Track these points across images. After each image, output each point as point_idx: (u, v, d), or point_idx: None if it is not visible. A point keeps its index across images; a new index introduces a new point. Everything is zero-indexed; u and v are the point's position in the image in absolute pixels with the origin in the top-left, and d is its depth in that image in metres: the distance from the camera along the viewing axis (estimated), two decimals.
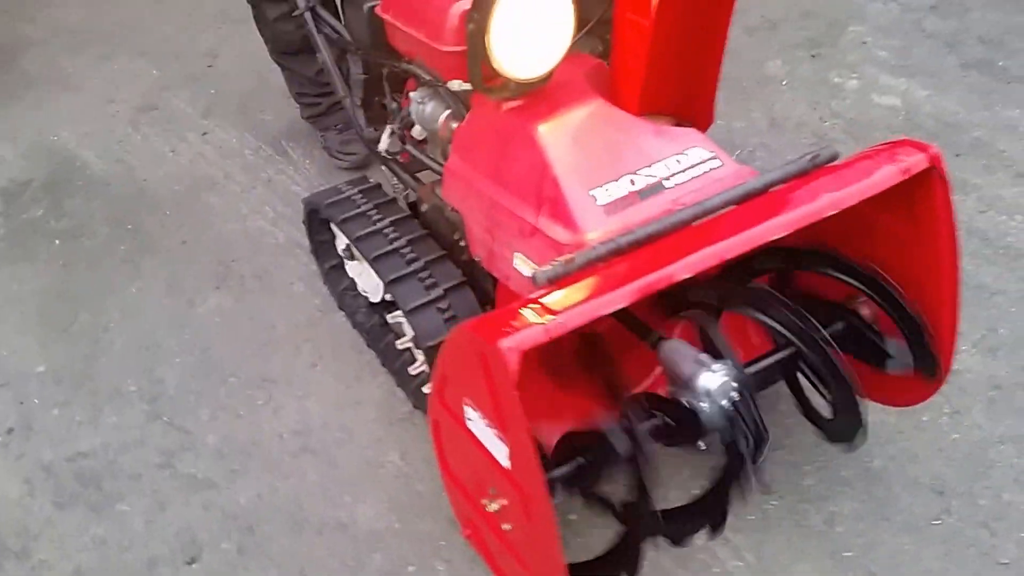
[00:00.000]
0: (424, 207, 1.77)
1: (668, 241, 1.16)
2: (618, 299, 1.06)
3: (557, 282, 1.11)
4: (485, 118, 1.41)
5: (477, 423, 1.19)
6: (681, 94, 1.44)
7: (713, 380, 1.23)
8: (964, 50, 2.78)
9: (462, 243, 1.65)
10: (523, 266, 1.34)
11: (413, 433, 1.75)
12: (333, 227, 1.95)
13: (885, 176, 1.22)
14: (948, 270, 1.32)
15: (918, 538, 1.50)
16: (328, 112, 2.37)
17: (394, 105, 1.66)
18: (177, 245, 2.28)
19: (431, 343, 1.54)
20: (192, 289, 2.13)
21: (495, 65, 1.27)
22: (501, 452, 1.16)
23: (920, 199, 1.29)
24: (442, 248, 1.66)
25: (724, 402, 1.25)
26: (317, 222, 1.97)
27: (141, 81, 2.93)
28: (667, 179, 1.30)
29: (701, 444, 1.36)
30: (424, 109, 1.56)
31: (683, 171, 1.31)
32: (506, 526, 1.26)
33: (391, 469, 1.70)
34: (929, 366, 1.38)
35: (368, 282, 1.89)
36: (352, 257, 1.90)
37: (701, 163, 1.33)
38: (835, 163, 1.29)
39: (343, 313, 1.99)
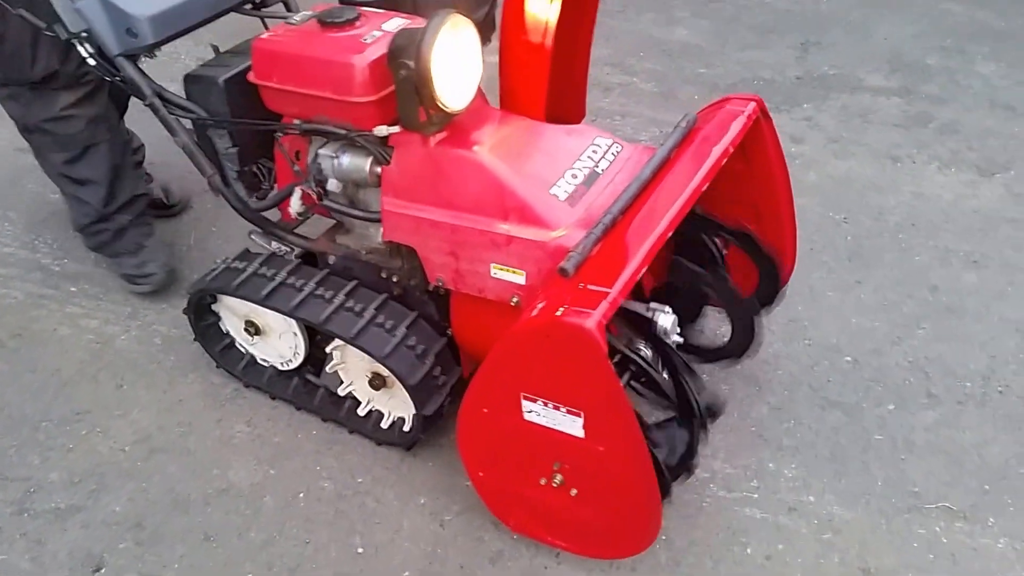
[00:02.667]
0: (331, 258, 1.80)
1: (639, 209, 1.41)
2: (643, 259, 1.29)
3: (581, 267, 1.31)
4: (416, 155, 1.52)
5: (540, 411, 1.35)
6: (563, 96, 1.69)
7: (667, 319, 1.54)
8: None
9: (393, 278, 1.74)
10: (505, 273, 1.50)
11: (248, 404, 1.94)
12: (227, 308, 1.88)
13: (740, 125, 1.60)
14: (784, 193, 1.75)
15: None
16: (115, 238, 2.20)
17: (296, 168, 1.67)
18: None
19: (415, 381, 1.62)
20: None
21: (440, 101, 1.41)
22: (573, 425, 1.33)
23: (750, 140, 1.69)
24: (375, 291, 1.73)
25: (676, 337, 1.56)
26: (202, 308, 1.89)
27: None
28: (597, 167, 1.55)
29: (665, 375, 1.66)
30: (340, 162, 1.60)
31: (604, 158, 1.57)
32: (574, 491, 1.43)
33: (243, 437, 1.87)
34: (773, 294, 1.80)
35: (279, 351, 1.88)
36: (257, 332, 1.86)
37: (610, 148, 1.60)
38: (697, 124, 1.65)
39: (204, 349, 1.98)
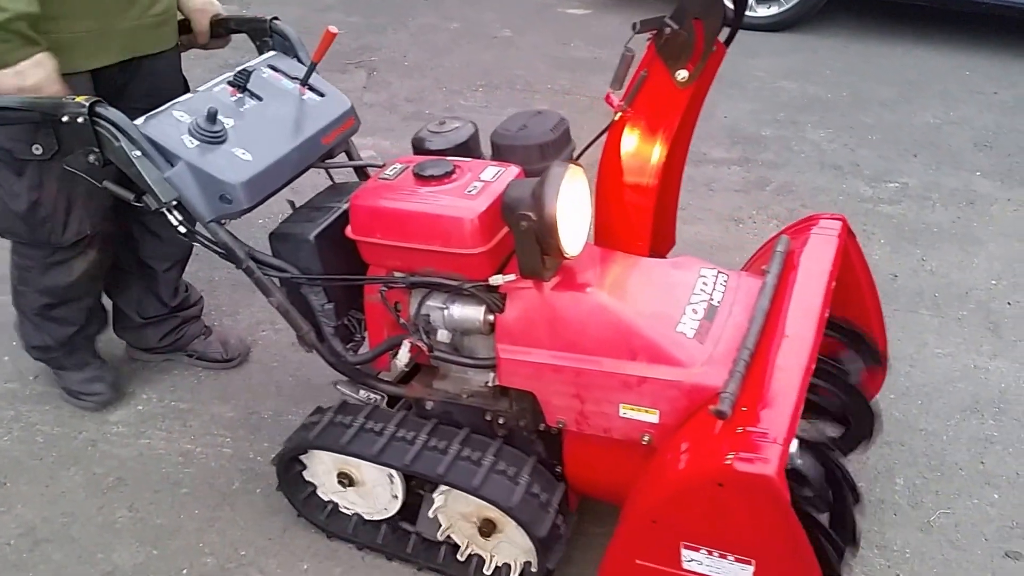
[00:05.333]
0: (429, 404, 1.75)
1: (771, 343, 1.41)
2: (797, 394, 1.28)
3: (735, 407, 1.29)
4: (533, 301, 1.51)
5: (704, 560, 1.30)
6: (656, 227, 1.71)
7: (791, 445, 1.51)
8: (398, 109, 3.90)
9: (500, 420, 1.69)
10: (636, 413, 1.47)
11: (130, 491, 2.02)
12: (317, 458, 1.82)
13: (836, 244, 1.64)
14: (871, 294, 1.78)
15: None
16: (64, 356, 2.19)
17: (402, 321, 1.64)
18: None
19: (544, 532, 1.56)
20: None
21: (563, 250, 1.41)
22: (742, 574, 1.28)
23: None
24: (482, 435, 1.69)
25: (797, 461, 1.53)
26: (293, 461, 1.83)
27: None
28: (712, 300, 1.56)
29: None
30: (450, 312, 1.58)
31: (715, 289, 1.58)
32: None
33: (125, 521, 1.95)
34: (876, 359, 1.81)
35: (375, 501, 1.80)
36: (351, 483, 1.78)
37: (718, 278, 1.61)
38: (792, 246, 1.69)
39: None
